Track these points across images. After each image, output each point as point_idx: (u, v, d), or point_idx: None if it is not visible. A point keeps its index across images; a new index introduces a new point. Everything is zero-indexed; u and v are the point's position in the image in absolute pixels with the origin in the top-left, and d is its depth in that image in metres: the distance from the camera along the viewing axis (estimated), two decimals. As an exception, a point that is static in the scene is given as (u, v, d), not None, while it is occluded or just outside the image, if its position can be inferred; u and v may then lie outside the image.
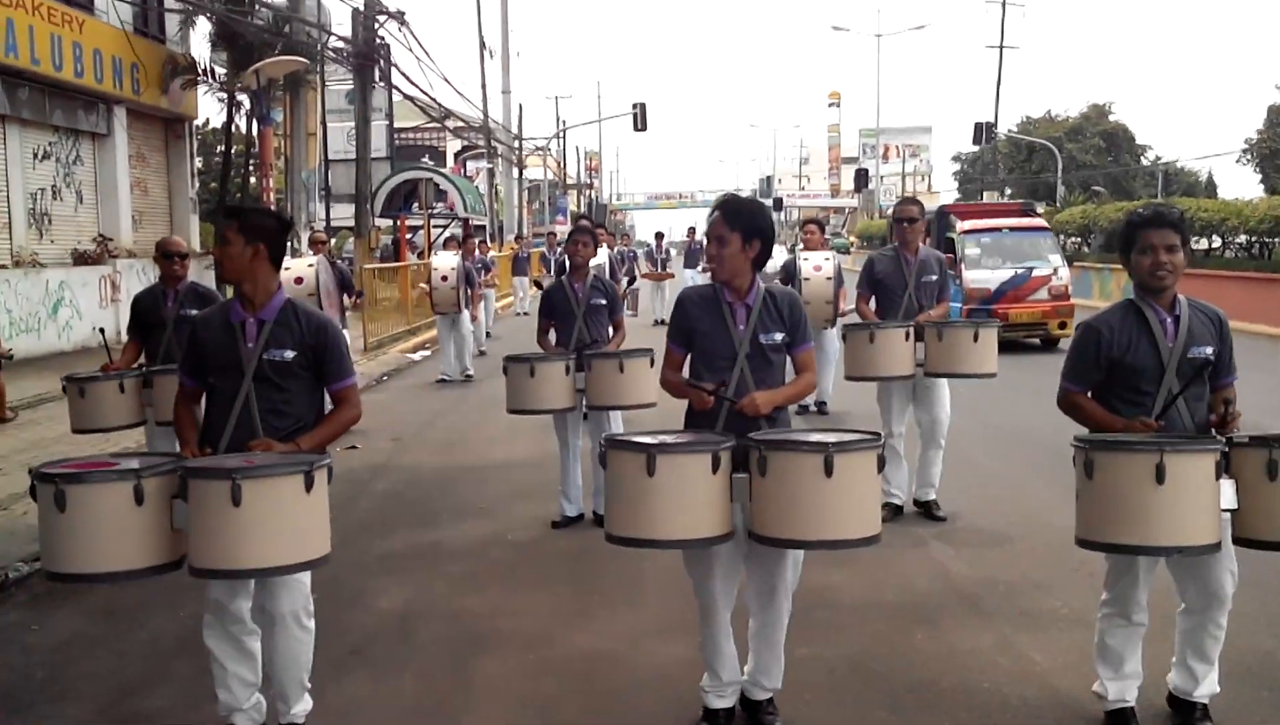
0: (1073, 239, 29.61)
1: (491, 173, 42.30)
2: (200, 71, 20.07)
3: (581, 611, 5.44)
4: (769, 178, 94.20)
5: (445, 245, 17.73)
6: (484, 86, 39.03)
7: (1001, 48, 43.02)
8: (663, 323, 20.38)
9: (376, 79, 24.10)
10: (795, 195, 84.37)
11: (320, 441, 3.83)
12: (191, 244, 20.33)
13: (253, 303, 3.84)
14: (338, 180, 31.64)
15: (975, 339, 6.60)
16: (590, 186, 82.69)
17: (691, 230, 27.55)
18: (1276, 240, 21.94)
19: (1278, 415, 9.66)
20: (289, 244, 4.14)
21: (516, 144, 44.53)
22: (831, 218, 68.85)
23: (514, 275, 26.81)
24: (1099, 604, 4.02)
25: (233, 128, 21.54)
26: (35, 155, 17.19)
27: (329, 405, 4.01)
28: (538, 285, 13.29)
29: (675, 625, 5.01)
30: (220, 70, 20.38)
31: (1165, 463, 3.41)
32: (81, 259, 17.70)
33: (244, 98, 19.46)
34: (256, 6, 19.81)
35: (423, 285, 19.72)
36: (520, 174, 45.84)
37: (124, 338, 7.23)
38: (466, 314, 14.27)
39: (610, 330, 7.09)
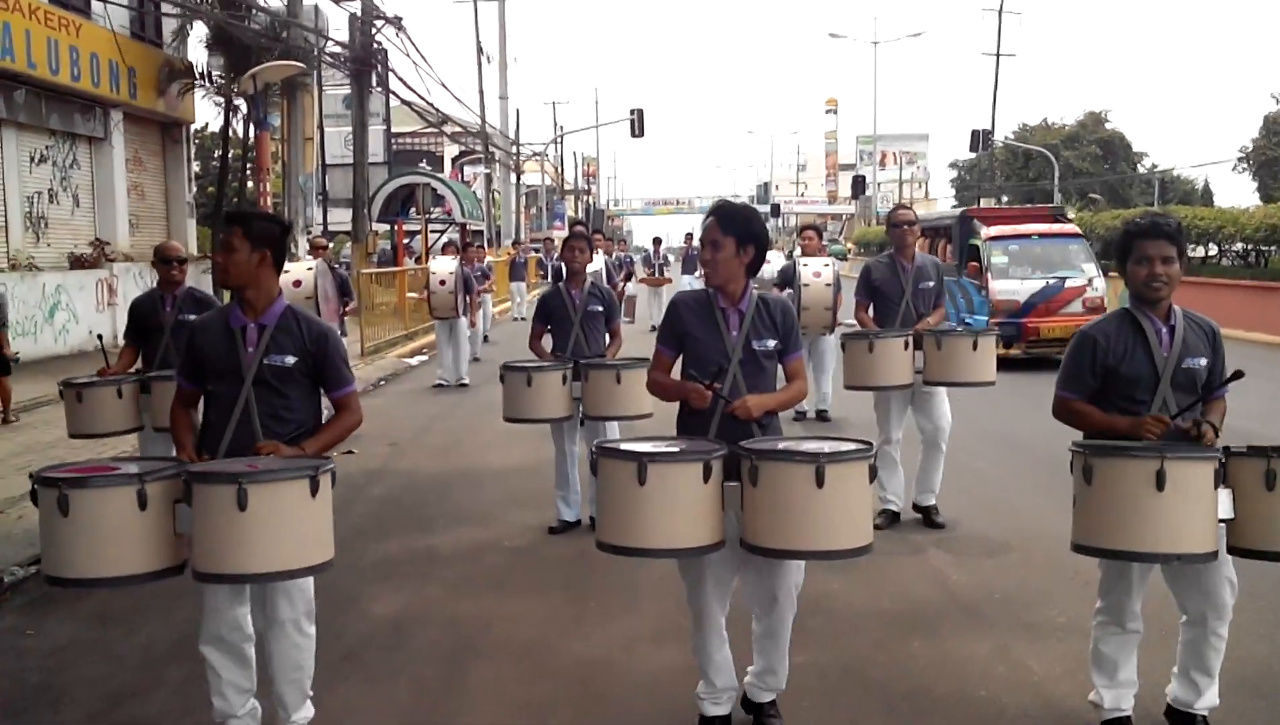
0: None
1: (489, 178, 42.32)
2: (197, 76, 20.06)
3: (577, 618, 5.43)
4: (766, 184, 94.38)
5: (444, 250, 17.74)
6: (481, 92, 39.10)
7: (998, 55, 43.17)
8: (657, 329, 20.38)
9: (374, 84, 24.11)
10: (792, 201, 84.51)
11: (323, 447, 3.83)
12: (188, 248, 20.32)
13: (254, 308, 3.83)
14: (335, 185, 31.69)
15: (974, 348, 6.60)
16: (588, 192, 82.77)
17: (689, 236, 27.53)
18: (1273, 249, 21.97)
19: (1274, 423, 9.68)
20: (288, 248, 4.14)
21: (514, 149, 44.55)
22: (829, 224, 68.90)
23: (511, 280, 26.81)
24: (1093, 612, 4.01)
25: (230, 132, 21.53)
26: (32, 159, 17.20)
27: (325, 409, 4.01)
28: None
29: (670, 632, 5.00)
30: (217, 75, 20.37)
31: (1166, 469, 3.42)
32: (78, 263, 17.70)
33: (241, 102, 19.44)
34: (254, 11, 19.79)
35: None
36: (518, 179, 45.86)
37: (120, 342, 7.22)
38: (464, 320, 14.27)
39: (607, 337, 7.08)
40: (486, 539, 6.90)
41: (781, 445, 3.68)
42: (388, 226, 31.29)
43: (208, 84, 20.34)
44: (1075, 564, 5.56)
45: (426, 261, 20.84)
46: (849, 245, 56.82)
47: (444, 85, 79.52)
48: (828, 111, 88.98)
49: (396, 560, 6.47)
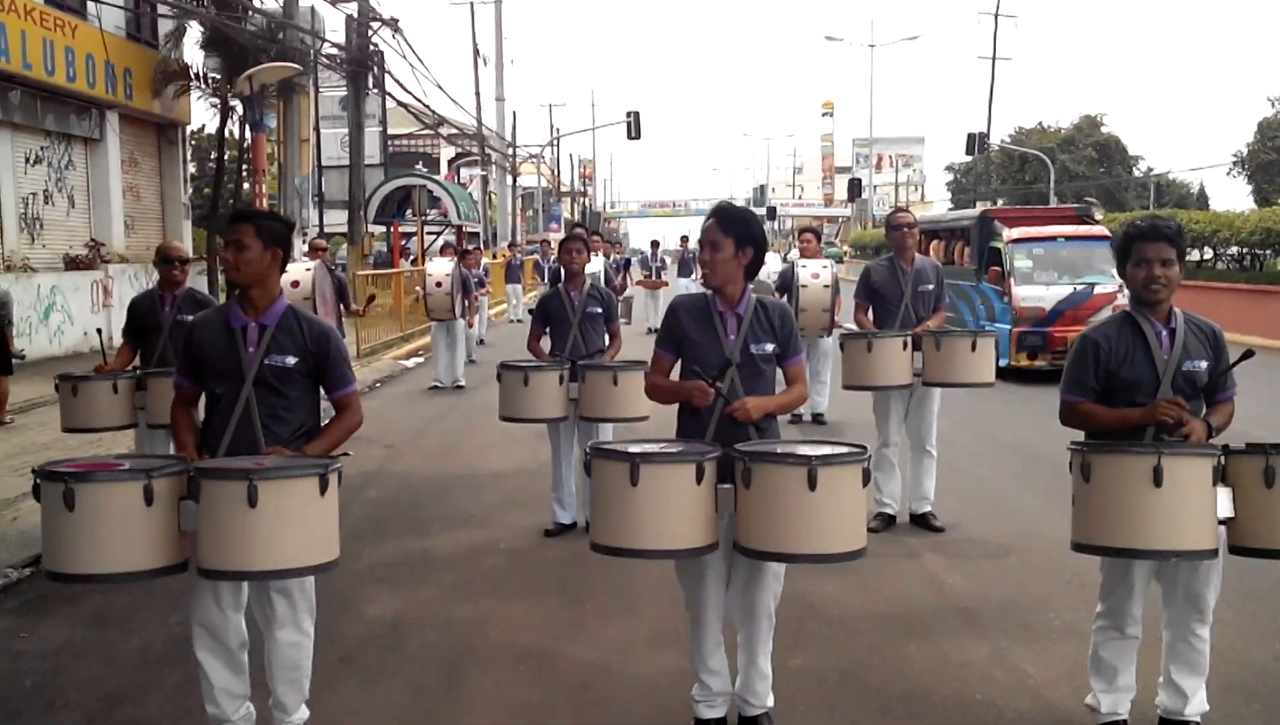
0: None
1: (485, 180, 42.34)
2: (193, 77, 20.05)
3: (573, 621, 5.42)
4: (763, 187, 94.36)
5: (442, 251, 17.74)
6: (478, 94, 39.11)
7: (994, 59, 43.31)
8: (654, 331, 20.39)
9: (370, 86, 24.13)
10: (789, 204, 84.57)
11: (325, 449, 3.82)
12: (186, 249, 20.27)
13: (255, 307, 3.81)
14: (331, 186, 31.70)
15: (973, 348, 6.61)
16: (584, 194, 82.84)
17: (684, 238, 27.54)
18: (1268, 252, 22.02)
19: (1271, 427, 9.69)
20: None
21: (510, 151, 44.56)
22: (825, 227, 68.98)
23: (507, 282, 26.80)
24: (1093, 616, 4.01)
25: (226, 133, 21.50)
26: (27, 160, 17.17)
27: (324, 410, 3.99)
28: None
29: (667, 635, 5.00)
30: (213, 76, 20.35)
31: (1163, 465, 3.42)
32: (73, 264, 17.66)
33: (237, 104, 19.42)
34: (250, 13, 19.79)
35: (417, 289, 19.76)
36: (514, 181, 45.88)
37: (115, 341, 7.20)
38: (461, 322, 14.26)
39: (607, 338, 7.08)
40: (483, 541, 6.89)
41: (774, 448, 3.68)
42: (383, 228, 31.31)
43: (203, 85, 20.33)
44: (1073, 567, 5.57)
45: (422, 263, 20.82)
46: (845, 248, 56.87)
47: (440, 87, 79.66)
48: (824, 114, 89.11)
49: (393, 562, 6.45)
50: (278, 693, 3.85)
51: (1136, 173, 56.98)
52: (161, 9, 19.31)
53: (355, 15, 22.22)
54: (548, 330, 7.07)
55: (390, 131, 38.45)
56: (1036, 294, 14.04)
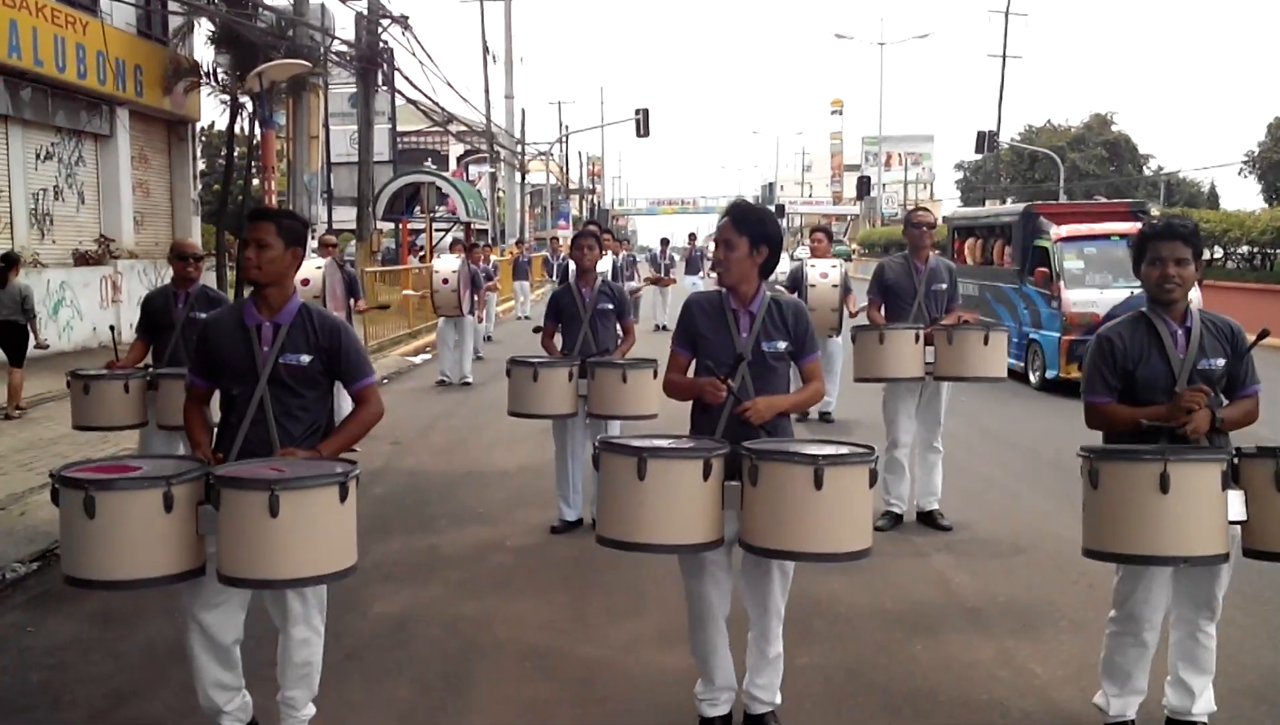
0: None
1: (494, 177, 42.36)
2: (203, 74, 20.08)
3: (579, 619, 5.42)
4: (771, 184, 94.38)
5: (452, 248, 17.76)
6: (487, 91, 39.11)
7: (1004, 57, 43.14)
8: (663, 328, 20.39)
9: (379, 83, 24.11)
10: (797, 202, 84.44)
11: (344, 444, 3.82)
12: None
13: (270, 306, 3.80)
14: (340, 183, 31.71)
15: (985, 342, 6.60)
16: (593, 191, 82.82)
17: (692, 236, 27.55)
18: (1278, 252, 21.94)
19: None
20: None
21: (519, 148, 44.57)
22: (834, 225, 68.93)
23: (515, 279, 26.83)
24: (1107, 620, 3.97)
25: (236, 130, 21.54)
26: (38, 155, 17.21)
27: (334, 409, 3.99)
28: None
29: (673, 634, 4.98)
30: (223, 73, 20.38)
31: (1169, 472, 3.40)
32: (83, 259, 17.71)
33: (247, 100, 19.46)
34: (260, 9, 19.80)
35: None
36: (523, 179, 45.89)
37: (125, 336, 7.22)
38: (470, 318, 14.25)
39: (620, 334, 7.09)
40: (490, 539, 6.89)
41: (782, 446, 3.67)
42: (392, 225, 31.33)
43: (213, 82, 20.36)
44: (1081, 567, 5.55)
45: (430, 260, 20.84)
46: (854, 246, 56.79)
47: (449, 84, 79.81)
48: (833, 112, 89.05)
49: (399, 559, 6.46)
50: (288, 688, 3.85)
51: (1147, 171, 56.82)
52: (172, 5, 19.34)
53: (365, 12, 22.21)
54: (560, 327, 7.07)
55: (399, 128, 38.41)
56: (1089, 298, 12.74)
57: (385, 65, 23.64)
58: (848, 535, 3.51)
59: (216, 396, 3.95)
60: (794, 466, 3.45)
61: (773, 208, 67.34)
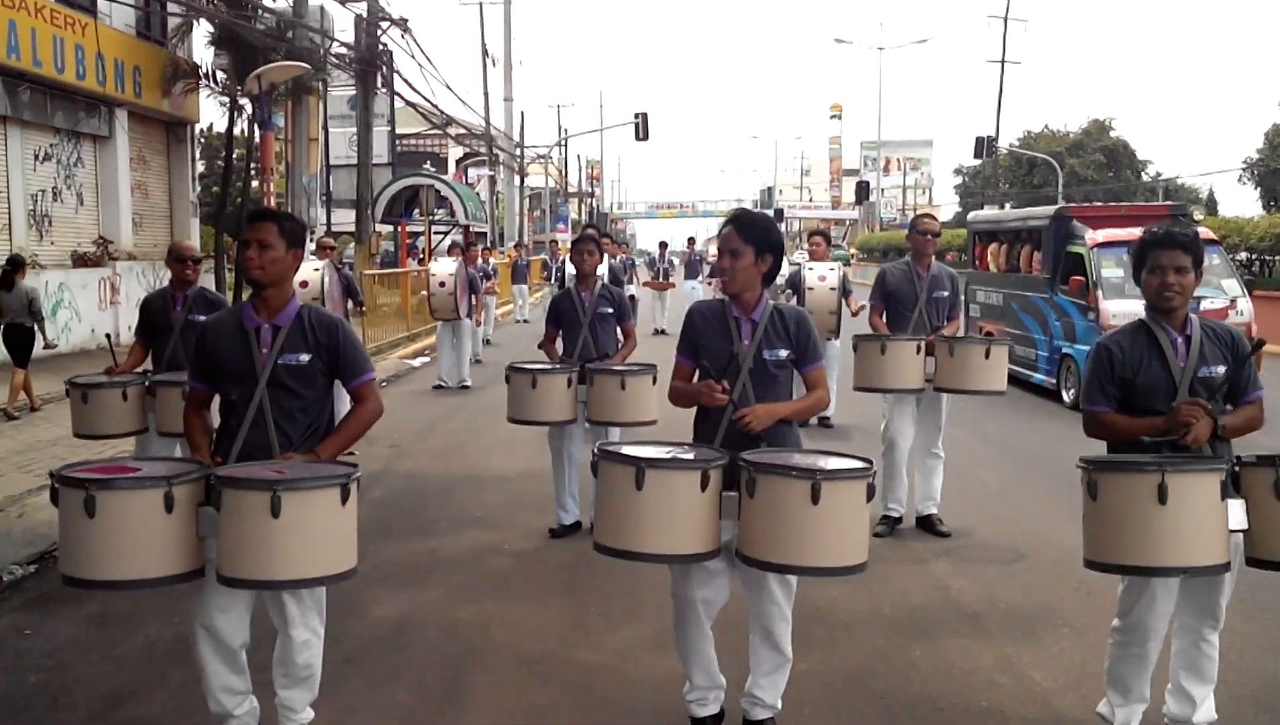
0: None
1: (493, 180, 42.37)
2: (202, 75, 20.08)
3: (577, 623, 5.41)
4: (770, 189, 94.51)
5: (449, 251, 17.75)
6: (486, 94, 39.16)
7: (1003, 63, 43.19)
8: (661, 332, 20.38)
9: (379, 85, 24.10)
10: (796, 206, 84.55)
11: (342, 445, 3.81)
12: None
13: (269, 308, 3.80)
14: (339, 186, 31.71)
15: (986, 356, 6.59)
16: (591, 195, 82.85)
17: (691, 241, 27.50)
18: (1277, 258, 21.97)
19: None
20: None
21: (518, 152, 44.59)
22: (832, 229, 68.95)
23: (514, 283, 26.81)
24: (1110, 629, 3.96)
25: (235, 132, 21.53)
26: (36, 157, 17.20)
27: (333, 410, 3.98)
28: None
29: (671, 639, 4.95)
30: (222, 75, 20.38)
31: (1167, 483, 3.39)
32: (81, 261, 17.70)
33: (246, 102, 19.45)
34: (259, 11, 19.80)
35: (425, 288, 19.79)
36: (521, 182, 45.90)
37: (124, 338, 7.21)
38: (468, 321, 14.23)
39: (621, 337, 7.08)
40: (488, 542, 6.88)
41: (779, 459, 3.67)
42: (391, 228, 31.33)
43: (212, 84, 20.36)
44: (1081, 574, 5.52)
45: (428, 263, 20.84)
46: (852, 251, 56.86)
47: (449, 87, 79.39)
48: (832, 117, 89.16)
49: (397, 563, 6.44)
50: (287, 692, 3.84)
51: (1145, 177, 56.86)
52: (171, 7, 19.33)
53: (364, 15, 22.22)
54: (560, 331, 7.07)
55: (398, 131, 38.42)
56: (1130, 309, 10.34)
57: (384, 67, 23.63)
58: (844, 549, 3.50)
59: (217, 401, 3.95)
60: (791, 480, 3.44)
61: (771, 212, 67.49)
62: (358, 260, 22.51)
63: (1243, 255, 23.12)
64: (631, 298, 17.83)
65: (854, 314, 10.28)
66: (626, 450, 3.70)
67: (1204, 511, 3.45)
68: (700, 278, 23.64)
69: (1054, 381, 12.80)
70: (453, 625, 5.40)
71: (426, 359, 17.11)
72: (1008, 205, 49.90)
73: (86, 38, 17.05)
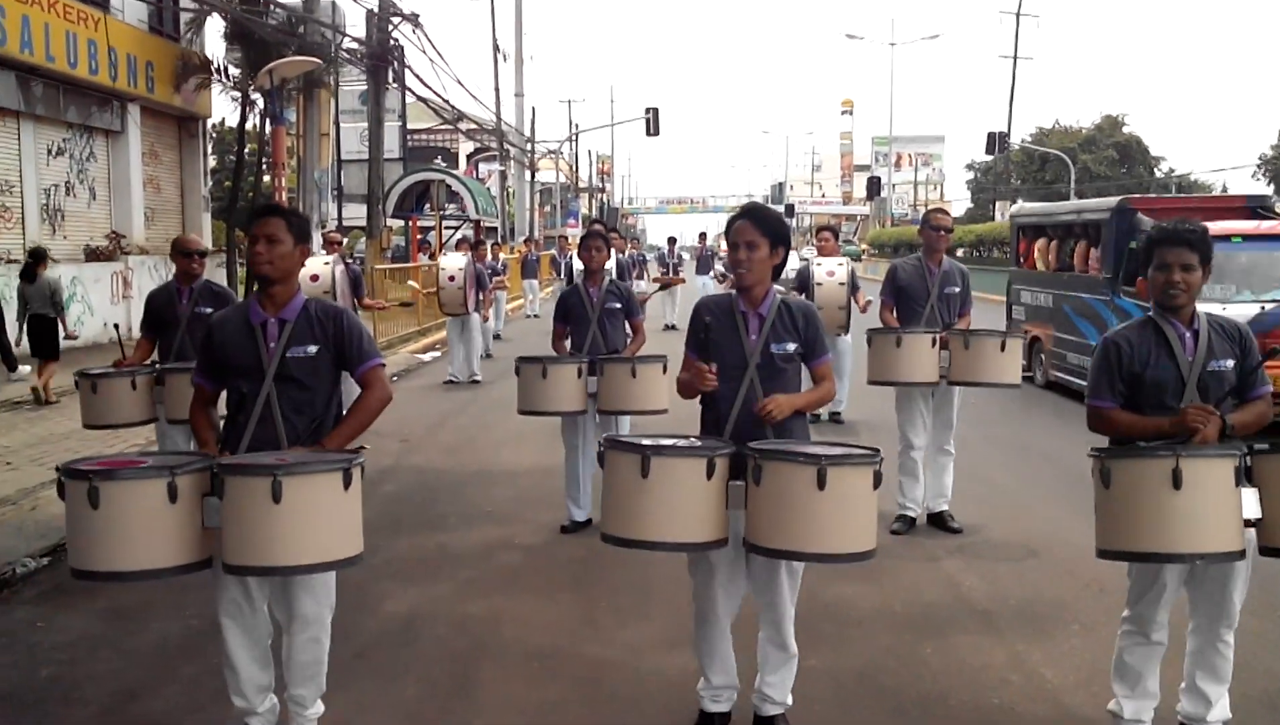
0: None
1: (504, 175, 42.39)
2: (214, 71, 20.13)
3: (587, 619, 5.41)
4: (781, 184, 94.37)
5: (457, 246, 17.76)
6: (497, 89, 39.14)
7: (1015, 58, 43.05)
8: (671, 327, 20.37)
9: (390, 80, 24.15)
10: (807, 202, 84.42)
11: (350, 435, 3.81)
12: (204, 242, 20.37)
13: (275, 303, 3.81)
14: (350, 180, 31.77)
15: (1002, 349, 6.57)
16: (602, 190, 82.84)
17: (702, 236, 27.46)
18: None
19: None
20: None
21: (529, 147, 44.59)
22: (843, 225, 68.80)
23: (524, 277, 26.82)
24: (1120, 621, 3.96)
25: (247, 127, 21.58)
26: (49, 151, 17.26)
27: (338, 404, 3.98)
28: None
29: (681, 635, 4.96)
30: (234, 70, 20.43)
31: (1181, 468, 3.38)
32: (94, 255, 17.77)
33: (258, 97, 19.49)
34: (271, 7, 19.84)
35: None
36: (532, 177, 45.92)
37: (135, 334, 7.23)
38: (476, 316, 14.24)
39: (630, 332, 7.07)
40: (498, 538, 6.88)
41: (785, 446, 3.67)
42: (402, 222, 31.38)
43: (224, 79, 20.41)
44: (1093, 572, 5.53)
45: (437, 258, 20.88)
46: (863, 246, 56.72)
47: (460, 82, 79.48)
48: (843, 112, 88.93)
49: (408, 558, 6.45)
50: (296, 687, 3.84)
51: (1158, 174, 56.61)
52: (184, 2, 19.39)
53: (376, 10, 22.25)
54: (568, 328, 7.06)
55: (409, 126, 38.50)
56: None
57: (396, 62, 23.67)
58: (851, 536, 3.50)
59: (223, 398, 3.95)
60: (797, 466, 3.45)
61: (782, 208, 67.42)
62: (369, 255, 22.57)
63: None
64: (643, 298, 17.85)
65: (862, 310, 10.26)
66: (632, 439, 3.71)
67: (1218, 497, 3.43)
68: (712, 273, 23.61)
69: None
70: (462, 620, 5.40)
71: (437, 353, 17.13)
72: (1019, 200, 49.77)
73: (99, 33, 17.09)
